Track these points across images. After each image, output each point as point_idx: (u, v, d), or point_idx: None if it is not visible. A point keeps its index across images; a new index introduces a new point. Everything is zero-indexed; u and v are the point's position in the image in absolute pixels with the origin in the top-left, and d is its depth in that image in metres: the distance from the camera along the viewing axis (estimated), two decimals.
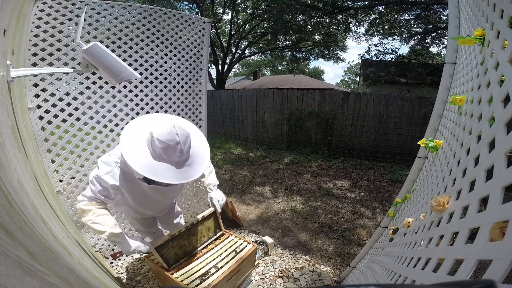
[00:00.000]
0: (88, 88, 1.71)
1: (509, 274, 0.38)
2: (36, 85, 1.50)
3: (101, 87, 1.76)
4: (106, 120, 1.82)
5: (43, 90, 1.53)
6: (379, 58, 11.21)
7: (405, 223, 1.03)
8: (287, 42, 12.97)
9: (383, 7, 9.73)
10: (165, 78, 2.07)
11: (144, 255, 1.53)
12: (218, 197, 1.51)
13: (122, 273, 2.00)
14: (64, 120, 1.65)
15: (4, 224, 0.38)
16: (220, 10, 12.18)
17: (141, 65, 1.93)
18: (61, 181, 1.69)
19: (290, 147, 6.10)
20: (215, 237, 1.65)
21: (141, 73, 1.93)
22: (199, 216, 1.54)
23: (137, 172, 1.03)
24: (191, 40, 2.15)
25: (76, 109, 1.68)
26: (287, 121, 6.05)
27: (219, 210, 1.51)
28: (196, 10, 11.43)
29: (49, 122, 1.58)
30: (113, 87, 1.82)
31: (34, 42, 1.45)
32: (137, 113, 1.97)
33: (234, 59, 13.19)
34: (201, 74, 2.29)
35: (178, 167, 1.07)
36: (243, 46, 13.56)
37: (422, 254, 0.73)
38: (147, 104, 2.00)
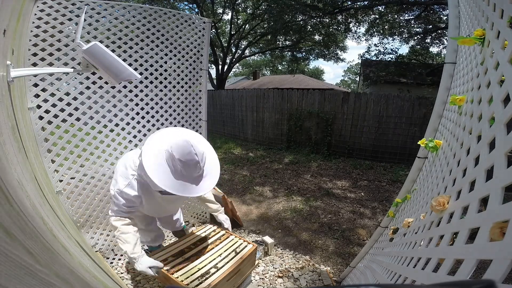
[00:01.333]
0: (88, 88, 1.71)
1: (509, 274, 0.38)
2: (36, 85, 1.49)
3: (101, 87, 1.76)
4: (106, 120, 1.82)
5: (43, 90, 1.52)
6: (379, 58, 11.22)
7: (405, 223, 1.03)
8: (287, 42, 12.97)
9: (383, 7, 9.73)
10: (165, 78, 2.07)
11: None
12: (226, 219, 1.70)
13: (122, 273, 2.00)
14: (64, 120, 1.64)
15: (4, 224, 0.38)
16: (220, 10, 12.18)
17: (141, 65, 1.93)
18: (61, 181, 1.69)
19: (290, 147, 6.10)
20: (218, 236, 1.65)
21: (141, 73, 1.93)
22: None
23: (159, 187, 1.11)
24: (191, 40, 2.15)
25: (76, 109, 1.68)
26: (287, 121, 6.05)
27: (230, 229, 1.70)
28: (196, 10, 11.43)
29: (49, 122, 1.58)
30: (113, 87, 1.82)
31: (34, 42, 1.44)
32: (137, 113, 1.97)
33: (234, 59, 13.19)
34: (201, 74, 2.29)
35: (196, 183, 1.18)
36: (243, 46, 13.56)
37: (422, 254, 0.73)
38: (147, 104, 2.00)
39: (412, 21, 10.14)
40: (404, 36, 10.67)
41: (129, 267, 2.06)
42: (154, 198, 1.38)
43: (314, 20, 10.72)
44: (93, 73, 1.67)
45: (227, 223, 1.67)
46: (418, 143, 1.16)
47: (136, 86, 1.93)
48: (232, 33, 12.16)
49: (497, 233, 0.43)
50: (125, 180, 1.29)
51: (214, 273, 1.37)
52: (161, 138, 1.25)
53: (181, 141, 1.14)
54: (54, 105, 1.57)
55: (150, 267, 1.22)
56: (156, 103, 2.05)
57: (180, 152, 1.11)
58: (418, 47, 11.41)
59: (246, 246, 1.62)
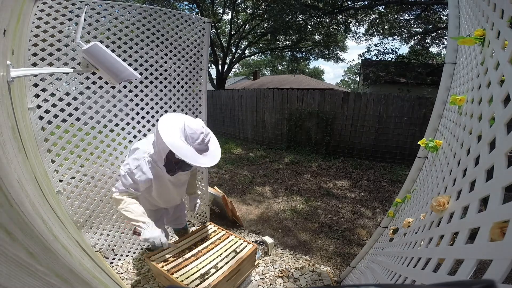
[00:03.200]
0: (88, 88, 1.71)
1: (509, 274, 0.38)
2: (36, 85, 1.49)
3: (101, 87, 1.76)
4: (106, 120, 1.82)
5: (43, 90, 1.52)
6: (379, 58, 11.21)
7: (405, 223, 1.03)
8: (287, 42, 12.97)
9: (383, 7, 9.73)
10: (165, 78, 2.07)
11: (145, 255, 1.54)
12: (198, 205, 1.85)
13: (122, 273, 2.00)
14: (64, 120, 1.64)
15: (4, 224, 0.38)
16: (220, 10, 12.18)
17: (141, 65, 1.92)
18: (61, 181, 1.69)
19: (290, 147, 6.10)
20: (216, 236, 1.65)
21: (141, 73, 1.93)
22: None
23: (167, 148, 1.23)
24: (191, 40, 2.15)
25: (76, 109, 1.68)
26: (287, 121, 6.05)
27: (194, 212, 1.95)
28: (196, 10, 11.42)
29: (49, 122, 1.58)
30: (113, 87, 1.82)
31: (34, 42, 1.44)
32: (137, 113, 1.97)
33: (234, 59, 13.19)
34: (201, 74, 2.29)
35: (199, 153, 1.28)
36: (243, 46, 13.56)
37: (422, 254, 0.73)
38: (147, 104, 2.00)
39: (412, 21, 10.15)
40: (404, 36, 10.68)
41: (129, 267, 2.06)
42: (163, 181, 1.46)
43: (314, 20, 10.72)
44: (93, 73, 1.67)
45: (195, 209, 1.81)
46: (418, 143, 1.16)
47: (136, 86, 1.93)
48: (232, 33, 12.16)
49: (497, 233, 0.43)
50: (136, 162, 1.35)
51: (214, 273, 1.37)
52: (175, 116, 1.40)
53: (194, 119, 1.34)
54: (54, 105, 1.57)
55: (159, 238, 1.28)
56: (156, 103, 2.05)
57: (193, 125, 1.27)
58: (418, 47, 11.41)
59: (246, 246, 1.62)
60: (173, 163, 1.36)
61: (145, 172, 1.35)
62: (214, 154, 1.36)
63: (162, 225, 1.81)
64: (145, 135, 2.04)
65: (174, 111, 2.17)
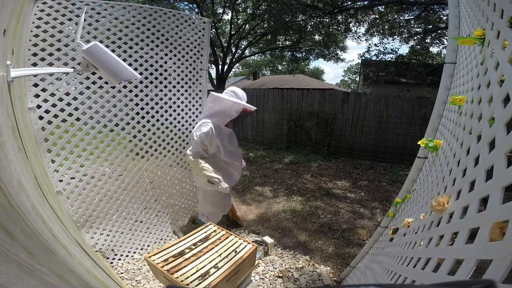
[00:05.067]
0: (88, 88, 1.71)
1: (509, 274, 0.38)
2: (36, 85, 1.49)
3: (101, 87, 1.76)
4: (106, 120, 1.82)
5: (43, 90, 1.52)
6: (379, 58, 11.20)
7: (405, 223, 1.03)
8: (287, 42, 12.96)
9: (383, 7, 9.73)
10: (165, 78, 2.07)
11: (145, 255, 1.54)
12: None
13: (122, 273, 2.00)
14: (64, 120, 1.64)
15: (4, 224, 0.38)
16: (220, 10, 12.18)
17: (141, 65, 1.93)
18: (61, 181, 1.69)
19: (290, 147, 6.10)
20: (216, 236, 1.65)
21: (141, 73, 1.93)
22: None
23: (240, 108, 1.84)
24: (191, 40, 2.15)
25: (76, 109, 1.68)
26: (287, 121, 6.05)
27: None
28: (196, 10, 11.42)
29: (49, 122, 1.58)
30: (113, 87, 1.82)
31: (34, 42, 1.44)
32: (137, 113, 1.97)
33: (234, 59, 13.19)
34: (201, 74, 2.29)
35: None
36: (243, 46, 13.55)
37: (422, 254, 0.73)
38: (147, 104, 2.00)
39: (412, 21, 10.14)
40: (404, 36, 10.67)
41: (129, 267, 2.06)
42: (224, 140, 1.92)
43: (314, 20, 10.72)
44: (93, 73, 1.67)
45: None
46: (418, 143, 1.16)
47: (136, 86, 1.93)
48: (232, 33, 12.16)
49: (497, 233, 0.43)
50: (205, 128, 1.80)
51: (214, 273, 1.37)
52: (223, 93, 1.94)
53: (233, 87, 1.96)
54: (54, 105, 1.57)
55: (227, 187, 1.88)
56: (156, 103, 2.05)
57: (238, 91, 1.92)
58: (418, 47, 11.40)
59: (246, 246, 1.62)
60: (238, 117, 1.90)
61: (212, 136, 1.81)
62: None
63: (227, 202, 2.25)
64: (145, 135, 2.04)
65: (174, 111, 2.17)
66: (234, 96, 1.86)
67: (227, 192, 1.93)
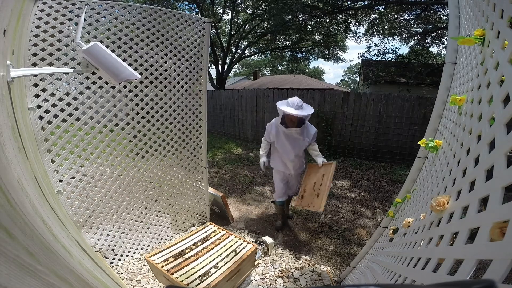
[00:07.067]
0: (88, 88, 1.71)
1: (509, 274, 0.38)
2: (36, 85, 1.49)
3: (101, 87, 1.76)
4: (106, 120, 1.82)
5: (43, 90, 1.52)
6: (379, 58, 11.21)
7: (405, 223, 1.03)
8: (287, 42, 12.97)
9: (383, 7, 9.73)
10: (165, 78, 2.07)
11: (145, 255, 1.54)
12: (319, 158, 2.54)
13: (122, 273, 2.00)
14: (64, 120, 1.64)
15: (4, 224, 0.38)
16: (220, 10, 12.17)
17: (141, 65, 1.92)
18: (61, 181, 1.69)
19: None
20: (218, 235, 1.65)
21: (141, 73, 1.93)
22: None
23: (285, 112, 2.17)
24: (191, 40, 2.15)
25: (76, 109, 1.68)
26: None
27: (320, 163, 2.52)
28: (196, 10, 11.42)
29: (49, 122, 1.58)
30: (113, 87, 1.82)
31: (34, 42, 1.44)
32: (137, 113, 1.97)
33: (234, 59, 13.18)
34: (201, 74, 2.29)
35: (296, 110, 2.14)
36: (243, 46, 13.55)
37: (422, 254, 0.73)
38: (147, 104, 2.00)
39: (412, 21, 10.14)
40: (404, 36, 10.67)
41: (129, 267, 2.06)
42: (280, 136, 2.38)
43: (314, 20, 10.72)
44: (93, 73, 1.67)
45: (319, 160, 2.49)
46: (418, 143, 1.16)
47: (136, 86, 1.93)
48: (232, 33, 12.15)
49: (497, 233, 0.43)
50: (270, 124, 2.43)
51: (214, 273, 1.37)
52: (285, 100, 2.30)
53: (293, 97, 2.27)
54: (54, 105, 1.57)
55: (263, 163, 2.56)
56: (156, 103, 2.05)
57: (291, 99, 2.22)
58: (418, 47, 11.41)
59: (246, 246, 1.62)
60: (284, 119, 2.29)
61: (271, 128, 2.40)
62: (304, 112, 2.17)
63: (286, 188, 2.70)
64: (145, 135, 2.04)
65: (174, 111, 2.17)
66: (283, 104, 2.27)
67: (262, 168, 2.57)
